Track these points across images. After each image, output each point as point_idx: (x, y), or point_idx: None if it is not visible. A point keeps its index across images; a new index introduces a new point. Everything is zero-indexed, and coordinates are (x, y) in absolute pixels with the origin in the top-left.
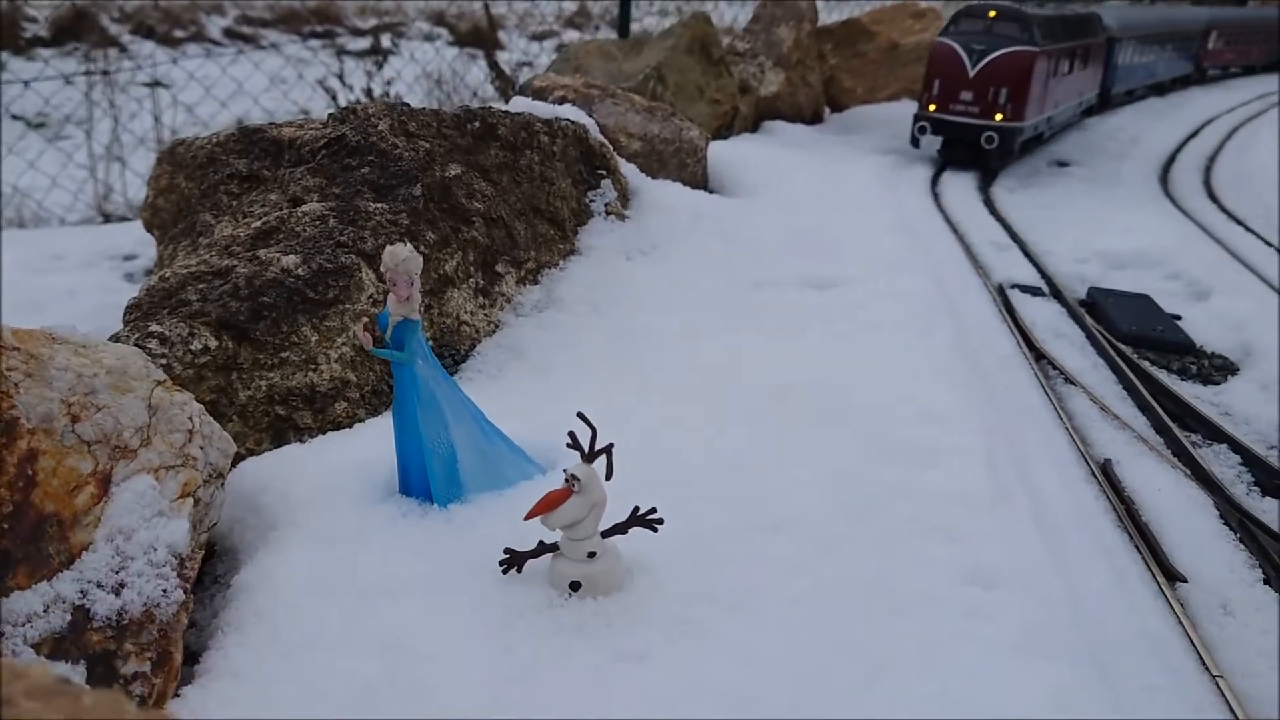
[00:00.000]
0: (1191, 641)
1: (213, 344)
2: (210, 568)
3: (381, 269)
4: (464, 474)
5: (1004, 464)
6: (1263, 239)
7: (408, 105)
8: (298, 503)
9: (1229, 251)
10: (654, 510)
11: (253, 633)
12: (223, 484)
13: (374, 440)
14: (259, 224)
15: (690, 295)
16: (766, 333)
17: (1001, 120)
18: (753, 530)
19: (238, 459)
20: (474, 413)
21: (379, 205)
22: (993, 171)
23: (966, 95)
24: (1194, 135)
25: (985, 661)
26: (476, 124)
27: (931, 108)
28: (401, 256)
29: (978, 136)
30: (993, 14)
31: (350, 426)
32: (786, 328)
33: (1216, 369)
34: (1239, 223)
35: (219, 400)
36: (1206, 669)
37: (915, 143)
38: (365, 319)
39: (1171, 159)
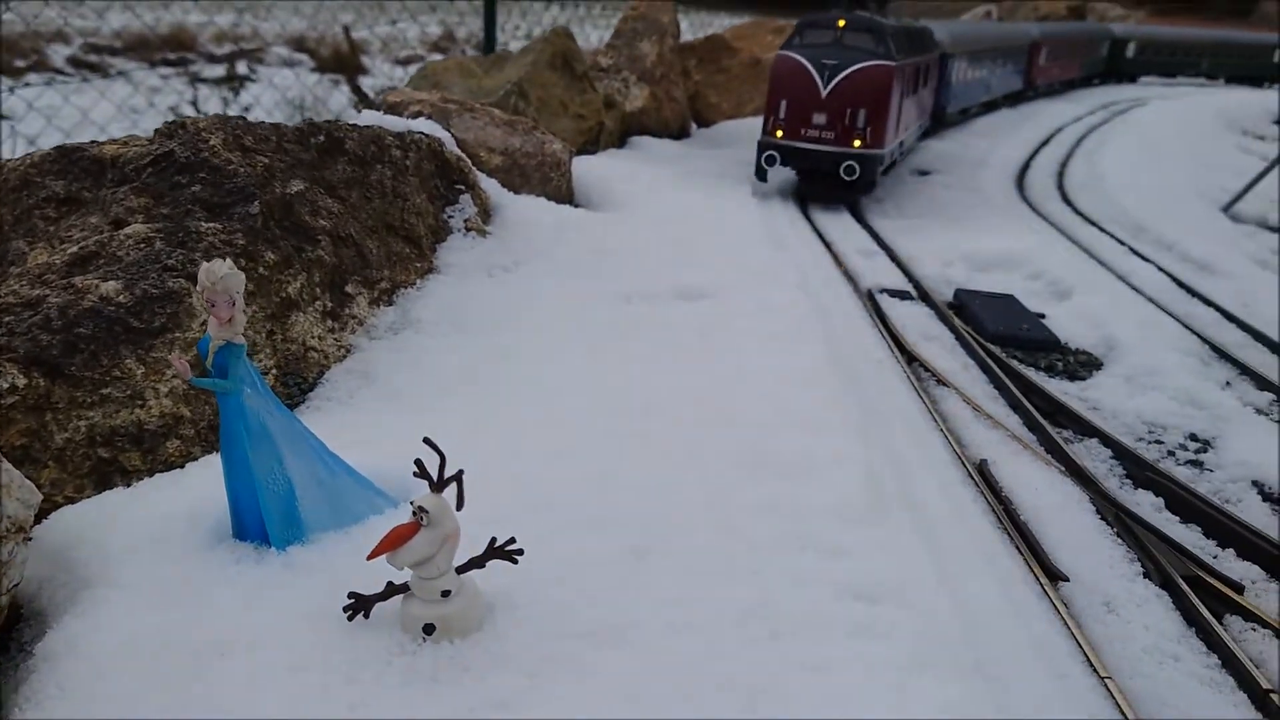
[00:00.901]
0: (1078, 643)
1: (21, 382)
2: (17, 633)
3: (198, 289)
4: (304, 512)
5: (882, 471)
6: (1116, 239)
7: (243, 119)
8: (117, 554)
9: (1086, 251)
10: (513, 540)
11: (54, 709)
12: (25, 538)
13: (208, 480)
14: (76, 249)
15: (557, 311)
16: (637, 347)
17: (860, 146)
18: (623, 557)
19: (52, 508)
20: (314, 444)
21: (212, 225)
22: (854, 199)
23: (819, 118)
24: (1045, 143)
25: (872, 682)
26: (321, 138)
27: (779, 134)
28: (220, 274)
29: (835, 166)
30: (842, 23)
31: (184, 466)
32: (657, 341)
33: (1082, 365)
34: (1093, 224)
35: (31, 444)
36: (1095, 671)
37: (762, 175)
38: (194, 351)
39: (1026, 166)
